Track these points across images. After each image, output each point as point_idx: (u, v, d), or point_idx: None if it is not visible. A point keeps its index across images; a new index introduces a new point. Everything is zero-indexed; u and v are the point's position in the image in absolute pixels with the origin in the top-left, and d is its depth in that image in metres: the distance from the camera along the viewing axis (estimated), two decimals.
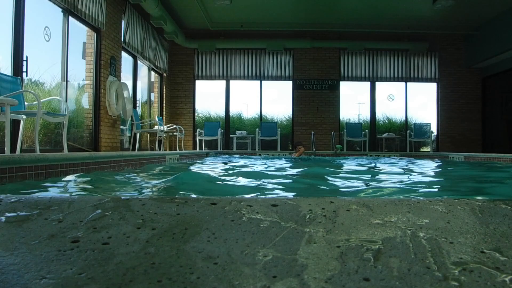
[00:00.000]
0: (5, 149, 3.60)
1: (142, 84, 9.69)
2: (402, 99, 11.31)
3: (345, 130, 10.68)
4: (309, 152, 8.86)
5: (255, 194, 2.58)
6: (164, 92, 10.64)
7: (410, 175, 4.33)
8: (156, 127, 8.68)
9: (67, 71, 6.00)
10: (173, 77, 11.01)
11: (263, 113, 11.40)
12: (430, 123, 10.90)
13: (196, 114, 11.40)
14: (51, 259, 0.77)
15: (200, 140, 10.35)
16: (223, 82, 11.23)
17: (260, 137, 10.39)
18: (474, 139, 10.91)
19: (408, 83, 11.18)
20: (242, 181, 3.61)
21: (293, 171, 4.97)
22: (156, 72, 10.24)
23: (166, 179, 3.76)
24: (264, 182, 3.48)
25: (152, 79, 10.29)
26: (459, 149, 10.40)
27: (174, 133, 9.30)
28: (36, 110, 4.14)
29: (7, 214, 1.01)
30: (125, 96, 7.32)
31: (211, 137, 10.41)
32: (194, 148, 10.74)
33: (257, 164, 6.17)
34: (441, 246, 0.82)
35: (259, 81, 11.14)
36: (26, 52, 4.89)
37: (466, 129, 10.96)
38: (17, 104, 3.86)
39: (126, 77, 8.23)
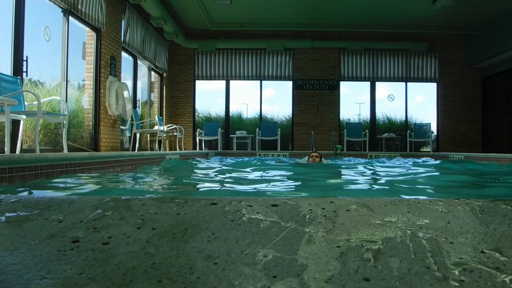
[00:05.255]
0: (5, 149, 3.60)
1: (142, 84, 9.69)
2: (402, 99, 11.31)
3: (345, 130, 10.68)
4: (309, 153, 8.85)
5: (255, 194, 2.59)
6: (164, 92, 10.64)
7: (410, 175, 4.33)
8: (156, 127, 8.68)
9: (67, 71, 6.00)
10: (173, 77, 11.00)
11: (263, 113, 11.40)
12: (430, 123, 10.90)
13: (196, 114, 11.40)
14: (51, 259, 0.77)
15: (200, 140, 10.35)
16: (223, 82, 11.23)
17: (260, 137, 10.39)
18: (474, 139, 10.91)
19: (408, 83, 11.17)
20: (242, 181, 3.62)
21: (293, 171, 4.97)
22: (156, 72, 10.24)
23: (166, 179, 3.76)
24: (264, 182, 3.48)
25: (152, 79, 10.28)
26: (459, 149, 10.39)
27: (174, 133, 9.30)
28: (36, 110, 4.14)
29: (7, 214, 1.01)
30: (125, 96, 7.31)
31: (211, 137, 10.41)
32: (194, 148, 10.73)
33: (257, 164, 6.17)
34: (441, 246, 0.82)
35: (259, 81, 11.14)
36: (26, 52, 4.89)
37: (466, 129, 10.96)
38: (17, 104, 3.86)
39: (126, 77, 8.23)
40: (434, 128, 11.07)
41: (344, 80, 11.03)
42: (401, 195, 2.54)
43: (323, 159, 6.33)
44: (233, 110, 11.58)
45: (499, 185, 3.34)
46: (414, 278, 0.70)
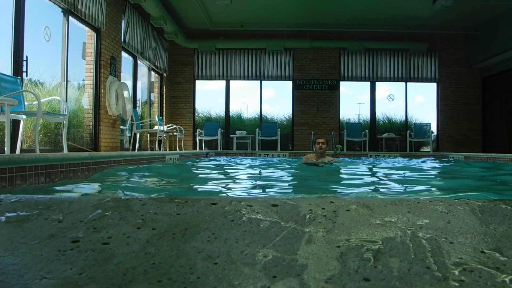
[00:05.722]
0: (5, 149, 3.60)
1: (142, 84, 9.68)
2: (402, 99, 11.31)
3: (345, 130, 10.68)
4: (309, 152, 8.86)
5: (255, 194, 2.59)
6: (164, 92, 10.64)
7: (410, 175, 4.33)
8: (156, 127, 8.68)
9: (67, 71, 6.00)
10: (173, 77, 11.00)
11: (263, 113, 11.40)
12: (430, 123, 10.90)
13: (196, 114, 11.40)
14: (51, 259, 0.77)
15: (200, 140, 10.35)
16: (223, 82, 11.24)
17: (260, 137, 10.39)
18: (474, 139, 10.91)
19: (408, 83, 11.18)
20: (242, 181, 3.62)
21: (293, 172, 4.97)
22: (156, 72, 10.24)
23: (166, 179, 3.76)
24: (264, 182, 3.48)
25: (152, 79, 10.28)
26: (459, 149, 10.39)
27: (174, 133, 9.30)
28: (36, 110, 4.14)
29: (7, 214, 1.01)
30: (125, 96, 7.31)
31: (211, 137, 10.41)
32: (194, 148, 10.73)
33: (257, 164, 6.17)
34: (441, 246, 0.82)
35: (259, 81, 11.14)
36: (26, 52, 4.89)
37: (466, 129, 10.95)
38: (17, 104, 3.86)
39: (126, 77, 8.23)
40: (434, 128, 11.08)
41: (344, 80, 11.02)
42: (401, 195, 2.54)
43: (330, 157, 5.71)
44: (233, 110, 11.60)
45: (499, 185, 3.34)
46: (414, 278, 0.70)
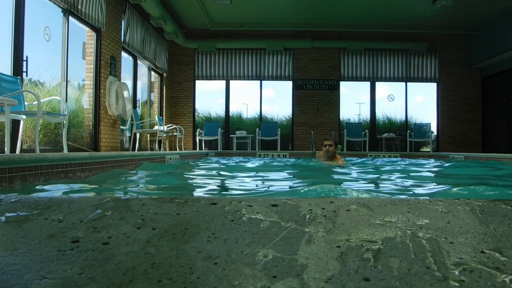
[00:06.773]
0: (5, 149, 3.60)
1: (142, 84, 9.69)
2: (402, 99, 11.31)
3: (345, 130, 10.68)
4: (309, 152, 8.86)
5: (255, 194, 2.59)
6: (164, 92, 10.64)
7: (410, 175, 4.33)
8: (156, 127, 8.68)
9: (67, 71, 6.00)
10: (173, 77, 11.00)
11: (263, 113, 11.40)
12: (430, 123, 10.90)
13: (196, 114, 11.40)
14: (51, 259, 0.77)
15: (200, 140, 10.35)
16: (223, 82, 11.23)
17: (260, 137, 10.39)
18: (474, 139, 10.91)
19: (408, 83, 11.18)
20: (242, 181, 3.62)
21: (293, 171, 4.97)
22: (156, 72, 10.24)
23: (166, 179, 3.76)
24: (264, 182, 3.48)
25: (152, 79, 10.28)
26: (459, 149, 10.39)
27: (174, 133, 9.30)
28: (36, 110, 4.14)
29: (7, 214, 1.01)
30: (125, 96, 7.31)
31: (211, 137, 10.41)
32: (194, 148, 10.73)
33: (257, 164, 6.17)
34: (441, 246, 0.82)
35: (259, 81, 11.14)
36: (26, 52, 4.89)
37: (466, 129, 10.95)
38: (17, 104, 3.86)
39: (126, 77, 8.23)
40: (434, 128, 11.08)
41: (344, 80, 11.03)
42: (401, 195, 2.54)
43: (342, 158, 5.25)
44: (233, 110, 11.60)
45: (499, 185, 3.34)
46: (414, 278, 0.70)
